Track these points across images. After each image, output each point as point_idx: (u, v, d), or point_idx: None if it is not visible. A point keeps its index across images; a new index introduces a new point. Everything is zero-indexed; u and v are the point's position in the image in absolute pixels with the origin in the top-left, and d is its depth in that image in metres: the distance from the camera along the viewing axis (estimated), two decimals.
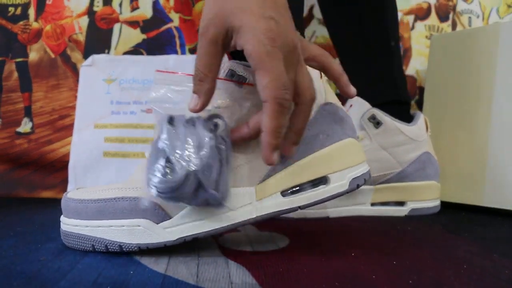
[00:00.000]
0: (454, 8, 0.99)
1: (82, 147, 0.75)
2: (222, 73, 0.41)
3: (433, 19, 0.98)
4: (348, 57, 0.73)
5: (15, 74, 0.87)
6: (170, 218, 0.40)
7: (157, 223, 0.40)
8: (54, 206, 0.69)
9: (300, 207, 0.41)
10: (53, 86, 0.87)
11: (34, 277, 0.34)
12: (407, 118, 0.68)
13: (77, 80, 0.82)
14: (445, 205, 0.72)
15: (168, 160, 0.37)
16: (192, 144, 0.37)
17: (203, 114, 0.39)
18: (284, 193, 0.41)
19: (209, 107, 0.39)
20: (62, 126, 0.86)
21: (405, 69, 0.95)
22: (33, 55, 0.87)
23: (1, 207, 0.70)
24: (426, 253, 0.44)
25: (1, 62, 0.86)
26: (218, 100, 0.40)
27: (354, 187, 0.43)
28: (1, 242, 0.44)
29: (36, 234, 0.48)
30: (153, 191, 0.37)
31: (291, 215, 0.61)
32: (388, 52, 0.71)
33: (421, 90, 0.93)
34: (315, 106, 0.41)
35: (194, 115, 0.39)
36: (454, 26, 0.99)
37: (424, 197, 0.67)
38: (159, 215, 0.40)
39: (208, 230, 0.40)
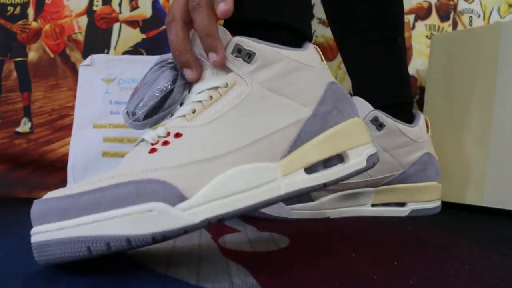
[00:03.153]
0: (454, 7, 0.99)
1: (81, 147, 0.75)
2: (228, 50, 0.41)
3: (433, 18, 0.98)
4: (352, 57, 0.72)
5: (14, 74, 0.86)
6: (188, 198, 0.35)
7: (173, 205, 0.34)
8: None
9: (325, 184, 0.41)
10: (52, 86, 0.87)
11: (34, 277, 0.33)
12: (409, 118, 0.68)
13: (76, 80, 0.82)
14: (445, 205, 0.71)
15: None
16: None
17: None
18: (307, 170, 0.40)
19: (218, 83, 0.40)
20: (61, 126, 0.86)
21: None
22: (32, 55, 0.87)
23: (1, 207, 0.70)
24: (427, 253, 0.44)
25: (0, 61, 0.86)
26: (226, 80, 0.40)
27: (371, 164, 0.43)
28: (1, 242, 0.44)
29: None
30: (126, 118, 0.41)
31: (292, 216, 0.61)
32: (394, 53, 0.70)
33: (422, 90, 0.93)
34: (323, 83, 0.43)
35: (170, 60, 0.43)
36: (454, 25, 0.98)
37: (425, 198, 0.67)
38: (175, 195, 0.34)
39: (236, 209, 0.36)
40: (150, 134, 0.40)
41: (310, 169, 0.40)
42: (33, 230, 0.34)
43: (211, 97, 0.40)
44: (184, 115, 0.40)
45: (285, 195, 0.38)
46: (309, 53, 0.44)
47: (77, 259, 0.33)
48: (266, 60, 0.41)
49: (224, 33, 0.41)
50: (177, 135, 0.39)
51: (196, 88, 0.42)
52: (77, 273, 0.34)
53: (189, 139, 0.38)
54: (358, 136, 0.43)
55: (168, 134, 0.39)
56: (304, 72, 0.42)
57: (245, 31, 0.42)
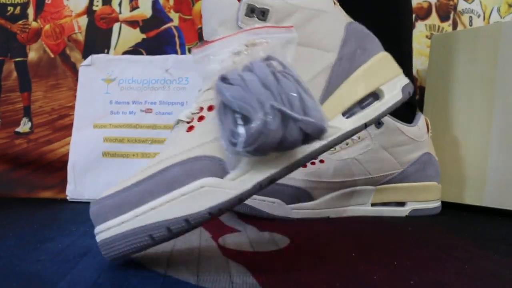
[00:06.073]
0: (454, 7, 0.99)
1: (81, 147, 0.75)
2: (239, 13, 0.39)
3: (433, 18, 0.98)
4: None
5: (14, 74, 0.86)
6: (234, 168, 0.35)
7: (222, 177, 0.35)
8: (53, 206, 0.69)
9: (366, 124, 0.40)
10: (53, 85, 0.87)
11: (33, 277, 0.33)
12: (409, 119, 0.68)
13: (76, 80, 0.82)
14: (445, 205, 0.71)
15: (240, 112, 0.32)
16: (255, 85, 0.33)
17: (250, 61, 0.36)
18: (346, 115, 0.40)
19: (241, 49, 0.37)
20: (62, 126, 0.86)
21: None
22: (32, 55, 0.87)
23: (1, 207, 0.70)
24: (427, 253, 0.44)
25: (0, 61, 0.86)
26: (245, 42, 0.38)
27: (407, 95, 0.42)
28: (1, 242, 0.44)
29: (36, 234, 0.48)
30: (239, 147, 0.32)
31: (292, 215, 0.61)
32: (398, 54, 0.70)
33: (422, 90, 0.93)
34: (341, 26, 0.42)
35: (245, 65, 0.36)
36: (454, 25, 0.98)
37: (425, 198, 0.67)
38: (221, 167, 0.35)
39: (286, 166, 0.35)
40: (184, 113, 0.39)
41: (347, 113, 0.40)
42: (96, 230, 0.35)
43: (234, 62, 0.37)
44: (211, 88, 0.38)
45: (330, 142, 0.38)
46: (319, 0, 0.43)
47: (143, 249, 0.34)
48: (281, 14, 0.40)
49: (231, 1, 0.40)
50: (210, 108, 0.38)
51: (218, 56, 0.39)
52: (78, 273, 0.34)
53: None
54: (387, 70, 0.43)
55: (201, 109, 0.39)
56: (320, 19, 0.41)
57: None
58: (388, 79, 0.42)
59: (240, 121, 0.32)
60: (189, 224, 0.34)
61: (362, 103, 0.41)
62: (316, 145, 0.37)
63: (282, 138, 0.33)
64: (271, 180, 0.35)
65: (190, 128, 0.38)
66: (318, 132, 0.34)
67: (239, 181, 0.35)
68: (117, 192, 0.35)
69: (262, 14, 0.39)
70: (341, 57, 0.41)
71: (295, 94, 0.33)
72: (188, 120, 0.39)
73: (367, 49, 0.42)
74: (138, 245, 0.34)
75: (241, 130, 0.32)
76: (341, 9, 0.45)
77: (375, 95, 0.42)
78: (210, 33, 0.40)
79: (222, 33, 0.39)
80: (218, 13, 0.40)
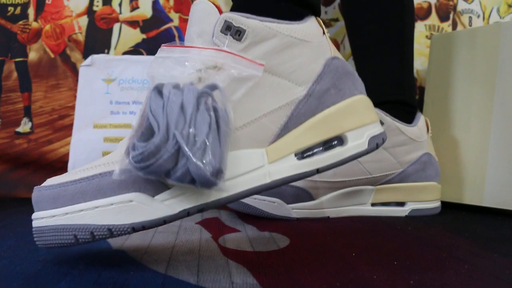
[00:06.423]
0: (454, 7, 0.99)
1: (82, 147, 0.75)
2: (215, 28, 0.37)
3: (433, 19, 0.98)
4: (361, 54, 0.74)
5: (15, 74, 0.86)
6: (168, 189, 0.34)
7: (153, 196, 0.34)
8: None
9: (318, 170, 0.37)
10: (53, 86, 0.87)
11: (34, 277, 0.33)
12: (409, 118, 0.68)
13: (76, 80, 0.82)
14: (445, 205, 0.71)
15: (148, 127, 0.32)
16: (174, 107, 0.32)
17: (196, 80, 0.35)
18: (298, 156, 0.37)
19: (201, 67, 0.36)
20: (62, 126, 0.86)
21: None
22: (33, 55, 0.87)
23: (1, 207, 0.70)
24: (427, 253, 0.44)
25: (1, 62, 0.86)
26: (212, 61, 0.36)
27: (374, 146, 0.39)
28: (1, 242, 0.44)
29: None
30: (129, 159, 0.32)
31: (292, 215, 0.61)
32: (401, 54, 0.71)
33: (421, 90, 0.93)
34: (322, 59, 0.39)
35: (186, 81, 0.35)
36: (454, 26, 0.99)
37: (425, 198, 0.67)
38: (154, 186, 0.34)
39: (216, 200, 0.34)
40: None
41: (305, 152, 0.37)
42: (33, 216, 0.36)
43: (200, 78, 0.36)
44: None
45: (271, 183, 0.36)
46: (307, 27, 0.40)
47: (66, 246, 0.35)
48: (257, 37, 0.37)
49: (212, 9, 0.38)
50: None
51: (187, 68, 0.37)
52: (78, 273, 0.35)
53: None
54: (358, 116, 0.39)
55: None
56: (299, 48, 0.39)
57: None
58: (357, 126, 0.38)
59: (142, 136, 0.32)
60: (111, 233, 0.34)
61: (325, 144, 0.38)
62: (250, 185, 0.35)
63: (171, 169, 0.32)
64: (200, 210, 0.35)
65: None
66: (204, 182, 0.32)
67: (168, 203, 0.34)
68: (57, 184, 0.36)
69: (238, 33, 0.37)
70: (310, 94, 0.38)
71: (204, 132, 0.31)
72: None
73: (342, 89, 0.39)
74: (63, 241, 0.35)
75: (138, 144, 0.31)
76: (329, 41, 0.41)
77: (340, 140, 0.38)
78: (188, 40, 0.39)
79: (198, 42, 0.38)
80: (198, 22, 0.38)
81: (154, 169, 0.31)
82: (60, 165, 0.83)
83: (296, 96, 0.38)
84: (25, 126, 0.86)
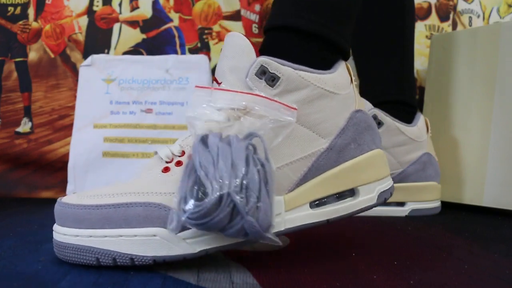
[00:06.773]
0: (454, 7, 0.99)
1: (82, 147, 0.75)
2: (250, 70, 0.38)
3: (433, 19, 0.98)
4: (362, 55, 0.74)
5: (15, 74, 0.86)
6: (191, 228, 0.35)
7: (177, 233, 0.36)
8: (53, 206, 0.69)
9: (328, 221, 0.39)
10: (53, 86, 0.87)
11: (34, 277, 0.33)
12: (409, 119, 0.68)
13: (76, 80, 0.82)
14: (445, 205, 0.71)
15: (200, 183, 0.33)
16: (225, 164, 0.33)
17: (239, 128, 0.36)
18: (312, 205, 0.39)
19: (234, 112, 0.36)
20: (62, 126, 0.86)
21: None
22: (33, 55, 0.87)
23: (1, 207, 0.70)
24: (427, 253, 0.44)
25: (1, 62, 0.86)
26: (246, 105, 0.37)
27: (382, 200, 0.41)
28: (1, 242, 0.44)
29: (36, 235, 0.48)
30: (183, 217, 0.32)
31: None
32: (401, 54, 0.71)
33: (421, 90, 0.93)
34: (347, 113, 0.40)
35: (230, 133, 0.35)
36: (454, 26, 0.99)
37: (425, 197, 0.67)
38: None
39: (235, 243, 0.36)
40: (164, 151, 0.39)
41: (319, 202, 0.39)
42: (54, 227, 0.38)
43: (228, 119, 0.37)
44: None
45: (285, 230, 0.37)
46: (338, 77, 0.40)
47: (87, 265, 0.36)
48: (290, 86, 0.38)
49: (248, 48, 0.38)
50: (190, 157, 0.35)
51: (222, 110, 0.38)
52: (78, 273, 0.35)
53: None
54: (372, 171, 0.40)
55: (183, 153, 0.39)
56: (327, 101, 0.39)
57: (276, 37, 0.40)
58: (369, 180, 0.40)
59: (195, 192, 0.32)
60: (133, 262, 0.36)
61: (338, 194, 0.39)
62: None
63: (226, 225, 0.33)
64: (219, 250, 0.36)
65: (166, 169, 0.38)
66: (257, 237, 0.33)
67: (189, 242, 0.36)
68: (81, 205, 0.37)
69: (272, 79, 0.38)
70: (331, 147, 0.39)
71: (256, 189, 0.33)
72: (167, 159, 0.39)
73: (361, 144, 0.40)
74: (85, 261, 0.36)
75: (192, 201, 0.32)
76: (355, 90, 0.42)
77: (351, 191, 0.40)
78: (220, 72, 0.39)
79: (230, 78, 0.38)
80: (232, 57, 0.39)
81: (210, 226, 0.33)
82: (60, 165, 0.83)
83: (318, 148, 0.39)
84: (25, 126, 0.86)
